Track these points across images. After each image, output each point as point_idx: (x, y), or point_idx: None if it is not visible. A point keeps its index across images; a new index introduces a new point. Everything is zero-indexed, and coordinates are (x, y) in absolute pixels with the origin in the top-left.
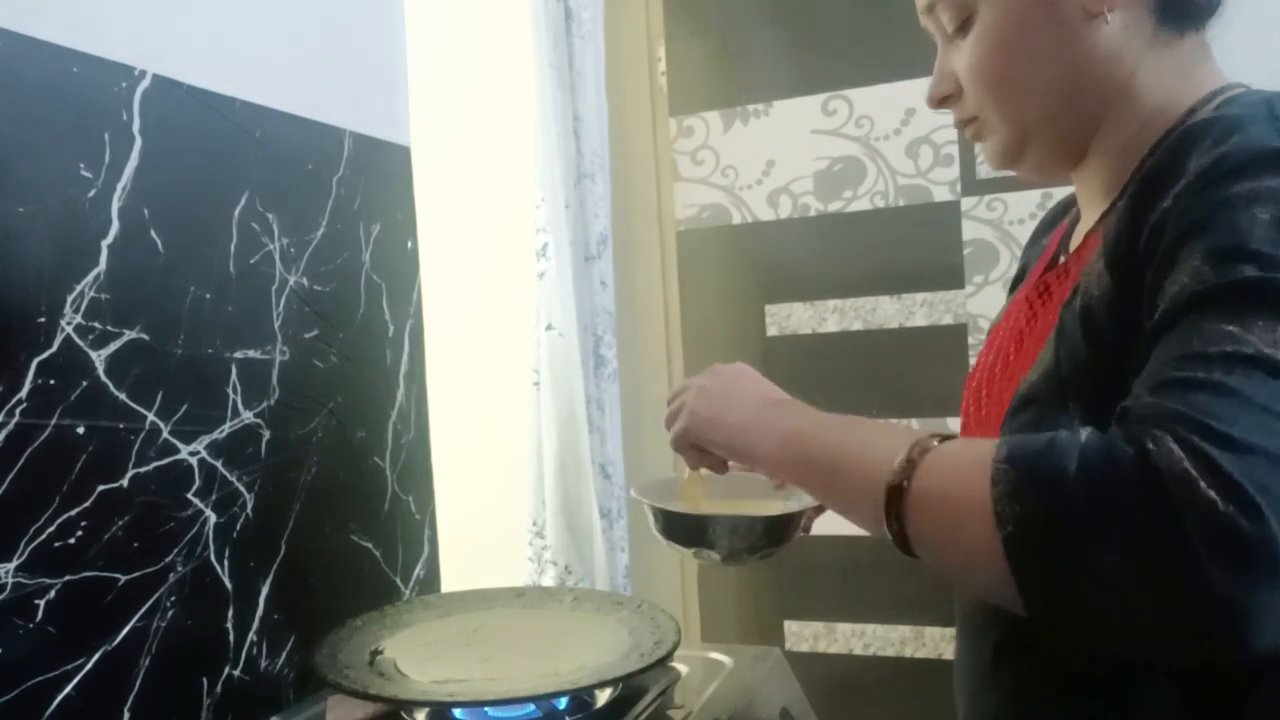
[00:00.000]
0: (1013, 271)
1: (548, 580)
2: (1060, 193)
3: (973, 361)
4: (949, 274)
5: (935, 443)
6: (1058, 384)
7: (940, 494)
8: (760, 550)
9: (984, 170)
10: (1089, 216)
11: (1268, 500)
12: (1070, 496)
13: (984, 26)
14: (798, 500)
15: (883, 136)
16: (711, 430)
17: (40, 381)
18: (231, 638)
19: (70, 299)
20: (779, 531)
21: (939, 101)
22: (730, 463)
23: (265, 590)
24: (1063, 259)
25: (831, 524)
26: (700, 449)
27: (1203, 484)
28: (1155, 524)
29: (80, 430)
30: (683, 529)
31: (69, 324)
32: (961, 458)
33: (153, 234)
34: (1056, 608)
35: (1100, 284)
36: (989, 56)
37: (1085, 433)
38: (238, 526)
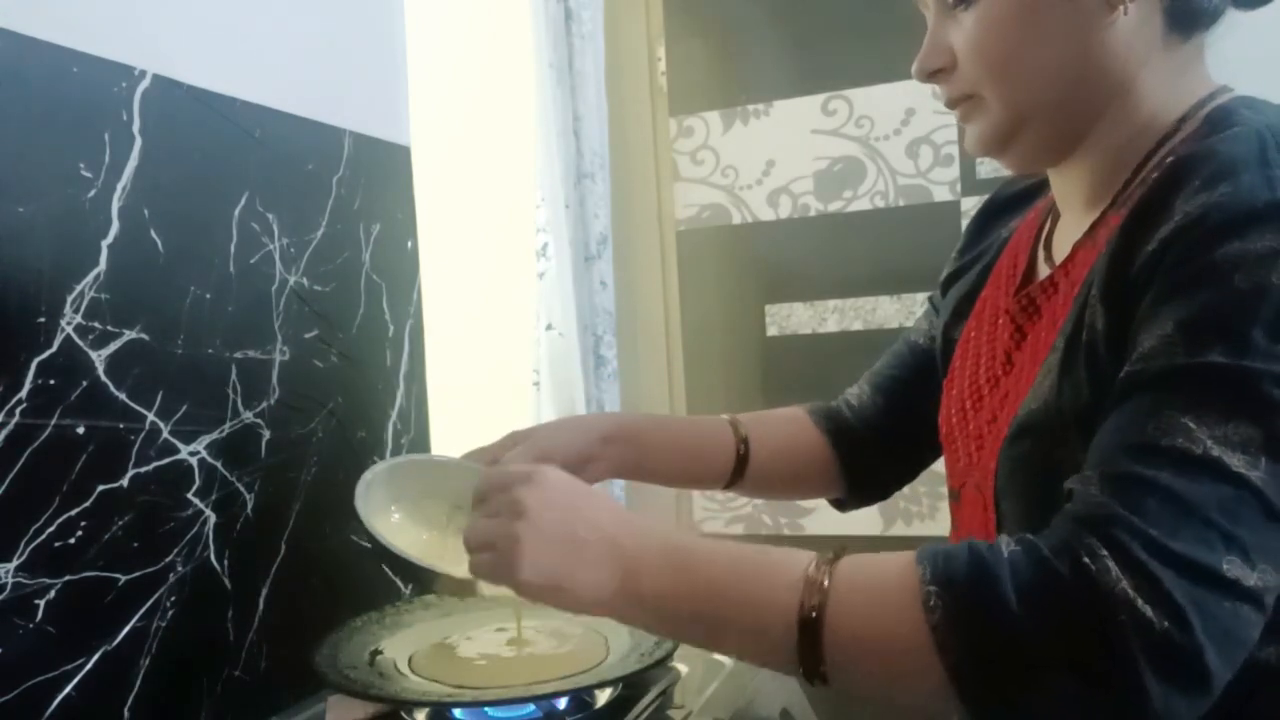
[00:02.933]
0: None
1: None
2: None
3: None
4: None
5: (826, 569)
6: (1059, 415)
7: (863, 626)
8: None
9: (984, 170)
10: (1072, 222)
11: (1200, 615)
12: (1017, 630)
13: (993, 1)
14: None
15: (883, 136)
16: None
17: (40, 381)
18: (231, 638)
19: (70, 299)
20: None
21: (928, 75)
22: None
23: (265, 590)
24: (1043, 266)
25: (831, 524)
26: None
27: (1140, 601)
28: (1100, 645)
29: (80, 430)
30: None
31: (69, 324)
32: (878, 581)
33: (153, 234)
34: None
35: (1100, 320)
36: (996, 34)
37: (1008, 546)
38: (238, 526)
